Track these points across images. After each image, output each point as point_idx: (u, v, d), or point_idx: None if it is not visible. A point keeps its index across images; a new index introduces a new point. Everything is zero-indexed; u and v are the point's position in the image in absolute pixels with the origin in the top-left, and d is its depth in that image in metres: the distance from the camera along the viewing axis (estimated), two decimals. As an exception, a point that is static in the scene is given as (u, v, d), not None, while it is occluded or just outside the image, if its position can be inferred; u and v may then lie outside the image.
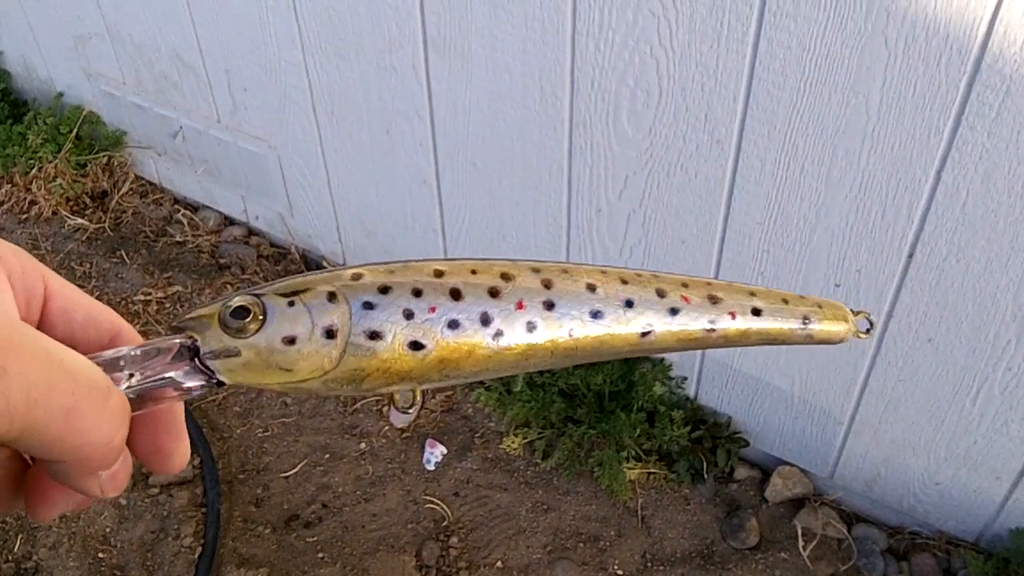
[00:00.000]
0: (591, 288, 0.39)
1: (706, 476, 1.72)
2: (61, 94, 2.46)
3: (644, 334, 0.39)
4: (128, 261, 2.30)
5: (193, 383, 0.35)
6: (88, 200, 2.45)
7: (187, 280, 2.24)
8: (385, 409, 1.92)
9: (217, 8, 1.83)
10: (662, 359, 1.73)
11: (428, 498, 1.77)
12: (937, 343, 1.37)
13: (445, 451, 1.84)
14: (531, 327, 0.37)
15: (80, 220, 2.39)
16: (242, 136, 2.06)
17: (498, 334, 0.37)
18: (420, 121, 1.67)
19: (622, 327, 0.38)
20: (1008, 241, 1.20)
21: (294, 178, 2.05)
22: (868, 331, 0.43)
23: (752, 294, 0.41)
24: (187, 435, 0.37)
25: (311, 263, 2.26)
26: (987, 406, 1.38)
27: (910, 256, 1.30)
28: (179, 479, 1.81)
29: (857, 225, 1.31)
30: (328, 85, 1.77)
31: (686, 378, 1.73)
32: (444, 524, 1.74)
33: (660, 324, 0.39)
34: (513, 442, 1.82)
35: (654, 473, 1.75)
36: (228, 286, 2.22)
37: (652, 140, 1.40)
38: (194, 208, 2.43)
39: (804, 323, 0.41)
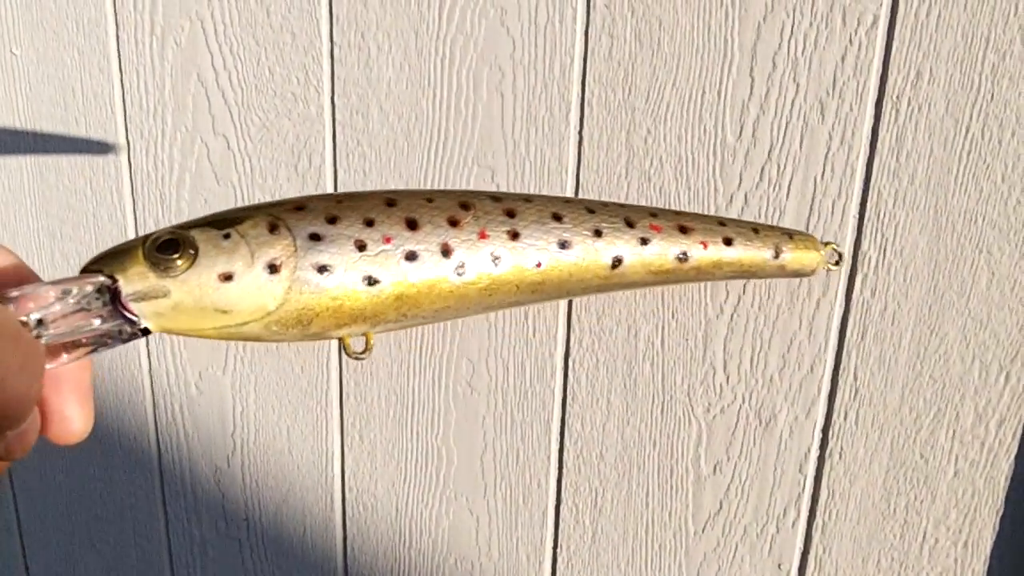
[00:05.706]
0: (557, 218, 0.37)
1: None
2: None
3: (614, 265, 0.37)
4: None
5: (113, 330, 0.30)
6: None
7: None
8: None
9: None
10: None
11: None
12: None
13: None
14: (495, 259, 0.34)
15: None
16: None
17: (460, 267, 0.33)
18: None
19: (591, 257, 0.36)
20: None
21: None
22: (838, 263, 0.44)
23: (722, 223, 0.40)
24: (93, 397, 0.31)
25: None
26: None
27: None
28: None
29: None
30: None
31: None
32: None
33: (631, 254, 0.37)
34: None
35: None
36: None
37: None
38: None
39: (776, 253, 0.41)
